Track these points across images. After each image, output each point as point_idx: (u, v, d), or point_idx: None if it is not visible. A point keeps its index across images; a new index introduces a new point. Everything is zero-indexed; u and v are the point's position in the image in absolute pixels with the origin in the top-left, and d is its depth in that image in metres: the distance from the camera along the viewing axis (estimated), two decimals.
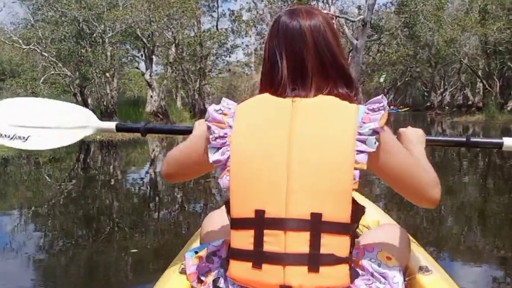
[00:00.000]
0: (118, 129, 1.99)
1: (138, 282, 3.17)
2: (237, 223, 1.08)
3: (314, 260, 1.01)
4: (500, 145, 1.61)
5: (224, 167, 1.10)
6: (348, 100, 1.11)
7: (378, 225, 1.81)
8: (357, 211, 1.07)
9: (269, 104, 1.12)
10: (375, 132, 1.04)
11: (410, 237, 1.47)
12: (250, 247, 1.05)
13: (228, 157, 1.09)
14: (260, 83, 1.21)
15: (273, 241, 1.03)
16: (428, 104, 38.73)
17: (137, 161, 11.95)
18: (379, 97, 1.10)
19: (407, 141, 1.34)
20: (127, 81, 36.69)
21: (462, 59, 27.95)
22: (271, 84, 1.15)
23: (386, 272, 1.14)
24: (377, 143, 1.04)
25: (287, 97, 1.12)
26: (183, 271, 1.30)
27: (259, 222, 1.04)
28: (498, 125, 17.24)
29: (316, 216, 1.02)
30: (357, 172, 1.03)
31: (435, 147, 2.11)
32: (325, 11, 1.26)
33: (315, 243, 1.02)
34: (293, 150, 1.04)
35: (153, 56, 26.44)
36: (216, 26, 25.92)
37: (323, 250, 1.01)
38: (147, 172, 9.39)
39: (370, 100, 1.12)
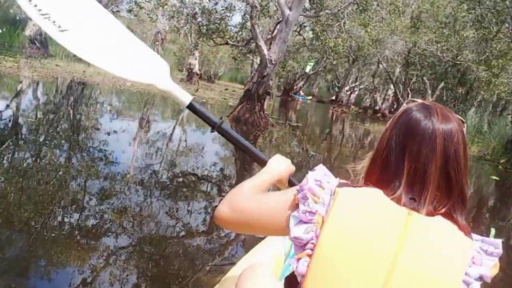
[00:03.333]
0: (191, 107, 1.54)
1: None
2: None
3: None
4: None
5: (303, 247, 0.97)
6: (462, 231, 0.98)
7: None
8: None
9: (381, 206, 0.99)
10: (481, 278, 0.93)
11: None
12: None
13: (312, 238, 0.97)
14: (368, 167, 1.10)
15: None
16: (333, 98, 37.85)
17: None
18: (498, 241, 0.97)
19: None
20: None
21: (381, 62, 26.78)
22: (384, 180, 1.03)
23: None
24: None
25: (404, 206, 0.99)
26: None
27: None
28: None
29: None
30: None
31: None
32: (458, 117, 1.08)
33: None
34: (395, 270, 0.92)
35: None
36: None
37: None
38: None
39: (486, 239, 0.99)
